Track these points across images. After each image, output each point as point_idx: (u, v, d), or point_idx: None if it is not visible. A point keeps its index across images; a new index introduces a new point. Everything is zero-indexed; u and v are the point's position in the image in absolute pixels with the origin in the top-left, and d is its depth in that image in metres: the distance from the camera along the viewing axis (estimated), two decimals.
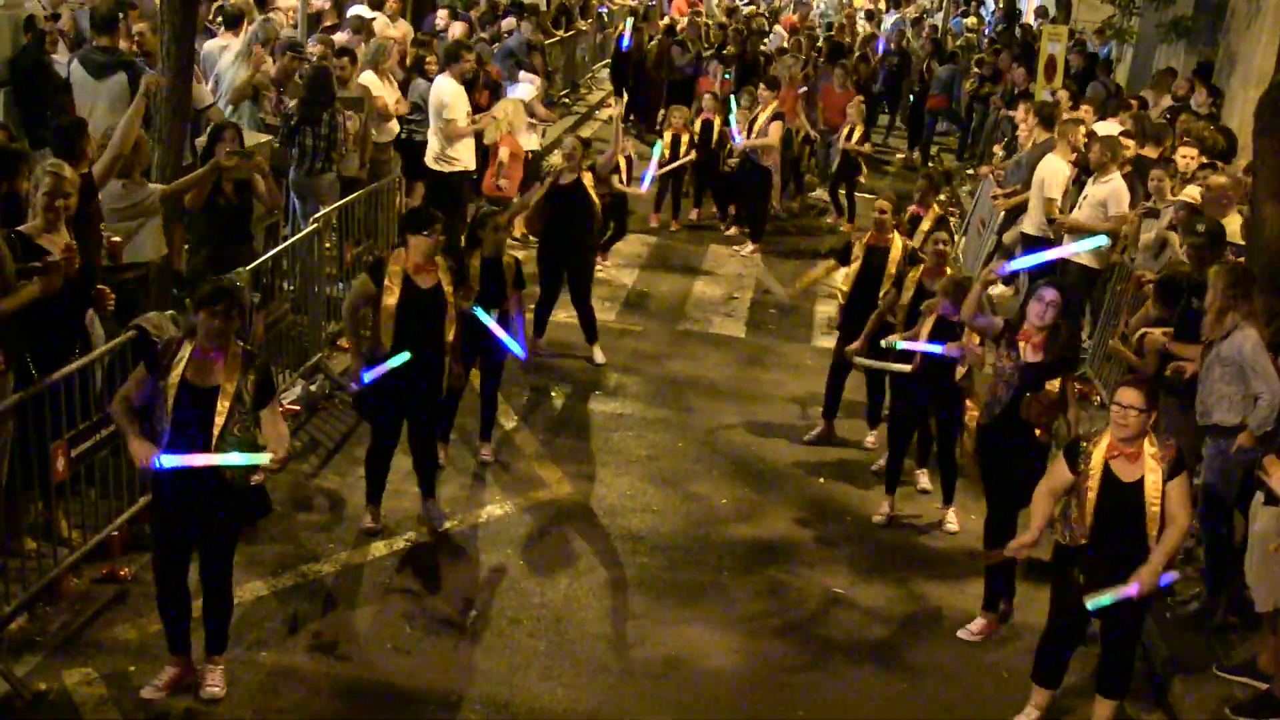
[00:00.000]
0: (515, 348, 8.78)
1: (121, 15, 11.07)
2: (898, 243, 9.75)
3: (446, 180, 12.73)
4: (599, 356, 11.45)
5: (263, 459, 6.24)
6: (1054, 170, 11.90)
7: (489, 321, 8.57)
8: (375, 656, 7.10)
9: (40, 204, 7.19)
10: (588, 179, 11.27)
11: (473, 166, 13.03)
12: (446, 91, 12.57)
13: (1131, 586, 6.23)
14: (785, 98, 15.92)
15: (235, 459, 6.15)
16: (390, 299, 7.88)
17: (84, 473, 7.29)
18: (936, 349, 8.39)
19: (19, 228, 7.16)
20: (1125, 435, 6.29)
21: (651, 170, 13.74)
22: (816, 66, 19.15)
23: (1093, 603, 6.32)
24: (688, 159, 15.22)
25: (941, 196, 11.57)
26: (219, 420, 6.16)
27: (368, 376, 7.82)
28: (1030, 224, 12.21)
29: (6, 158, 7.40)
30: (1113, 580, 6.28)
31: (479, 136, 13.24)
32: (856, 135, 16.11)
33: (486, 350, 8.98)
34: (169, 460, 6.07)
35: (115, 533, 7.54)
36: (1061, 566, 6.65)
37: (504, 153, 13.16)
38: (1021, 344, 7.53)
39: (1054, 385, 7.52)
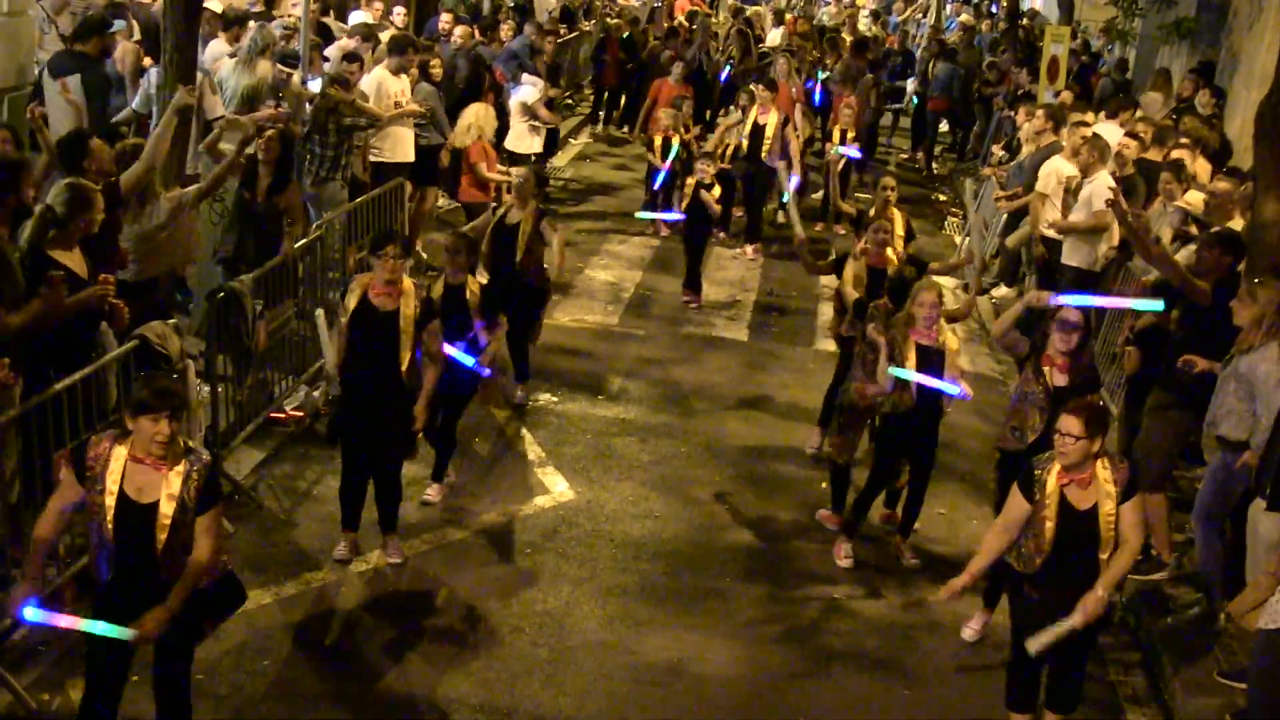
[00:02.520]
0: (468, 360, 8.37)
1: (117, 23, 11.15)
2: (894, 261, 9.59)
3: (379, 171, 12.64)
4: (519, 395, 10.53)
5: (126, 634, 5.41)
6: (1058, 172, 11.88)
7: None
8: (377, 664, 7.12)
9: (62, 219, 7.22)
10: (527, 220, 10.18)
11: (406, 160, 12.92)
12: (371, 81, 12.57)
13: (1074, 617, 6.16)
14: (782, 98, 15.90)
15: (100, 629, 5.44)
16: (343, 317, 7.73)
17: None
18: (953, 390, 8.04)
19: (38, 242, 7.18)
20: (1067, 463, 6.20)
21: (662, 171, 14.39)
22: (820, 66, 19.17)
23: (1035, 645, 6.26)
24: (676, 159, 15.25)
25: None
26: (161, 537, 5.45)
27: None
28: (1044, 226, 12.17)
29: (9, 169, 7.37)
30: (1063, 602, 6.22)
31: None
32: (850, 137, 16.08)
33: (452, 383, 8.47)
34: (33, 615, 5.48)
35: None
36: (1016, 589, 6.56)
37: (476, 152, 13.06)
38: (1046, 369, 7.46)
39: None
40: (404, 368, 7.67)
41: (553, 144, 16.86)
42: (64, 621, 5.62)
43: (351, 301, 7.71)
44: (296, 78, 11.82)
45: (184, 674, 5.91)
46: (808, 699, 7.21)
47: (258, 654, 7.05)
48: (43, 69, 10.91)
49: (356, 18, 14.75)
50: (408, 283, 7.76)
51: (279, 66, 11.62)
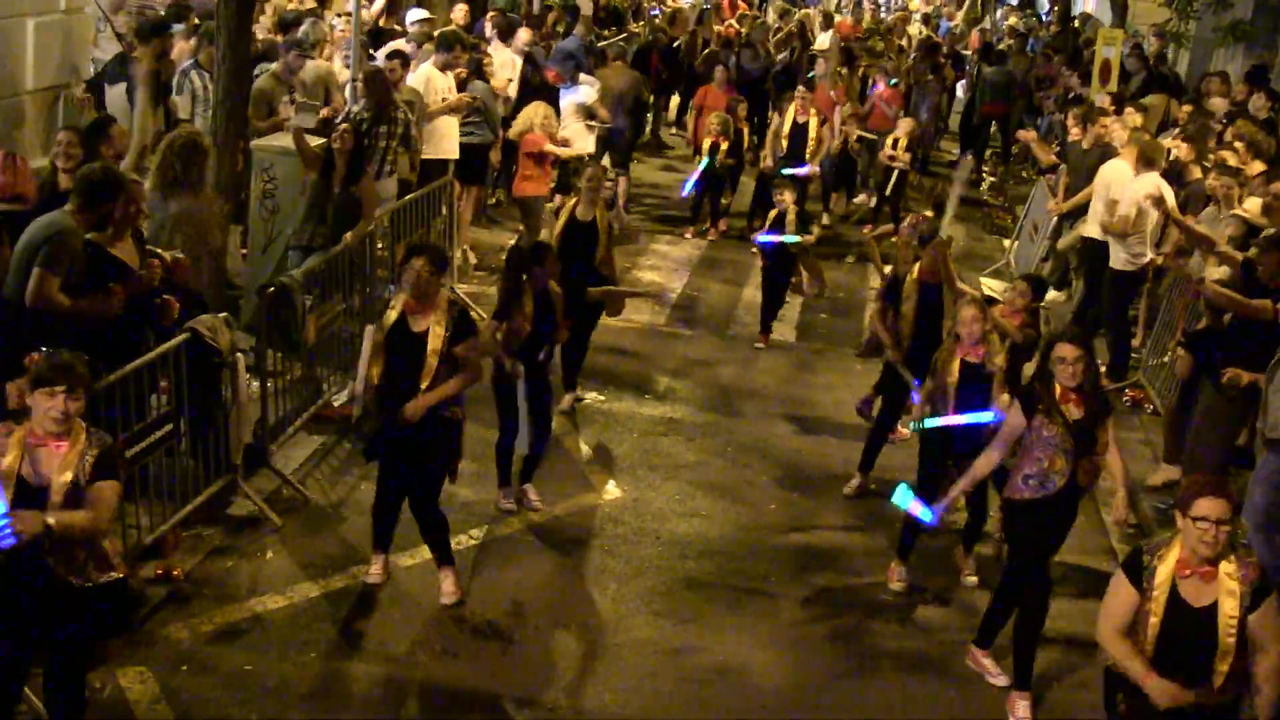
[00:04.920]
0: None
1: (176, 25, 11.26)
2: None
3: (424, 167, 12.64)
4: (566, 403, 10.33)
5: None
6: (1121, 175, 11.75)
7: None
8: (424, 659, 7.14)
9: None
10: (602, 216, 10.13)
11: (450, 157, 12.99)
12: (420, 77, 12.60)
13: None
14: (821, 100, 15.85)
15: None
16: (379, 336, 7.35)
17: (138, 474, 7.35)
18: (985, 418, 7.53)
19: (89, 236, 7.28)
20: (1210, 554, 5.22)
21: (693, 177, 14.36)
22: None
23: None
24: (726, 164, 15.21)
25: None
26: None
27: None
28: (1093, 227, 12.06)
29: (110, 184, 7.40)
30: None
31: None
32: (901, 145, 16.01)
33: (535, 396, 8.56)
34: None
35: (169, 533, 7.63)
36: (1117, 700, 5.66)
37: (529, 143, 13.02)
38: (1064, 406, 6.82)
39: (1104, 435, 6.93)
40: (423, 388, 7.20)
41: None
42: None
43: (390, 318, 7.34)
44: (311, 66, 11.95)
45: (77, 694, 5.71)
46: (853, 699, 7.17)
47: (304, 646, 7.08)
48: (103, 70, 11.02)
49: (414, 15, 14.76)
50: (442, 299, 7.33)
51: (294, 54, 11.68)
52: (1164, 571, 5.31)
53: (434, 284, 7.24)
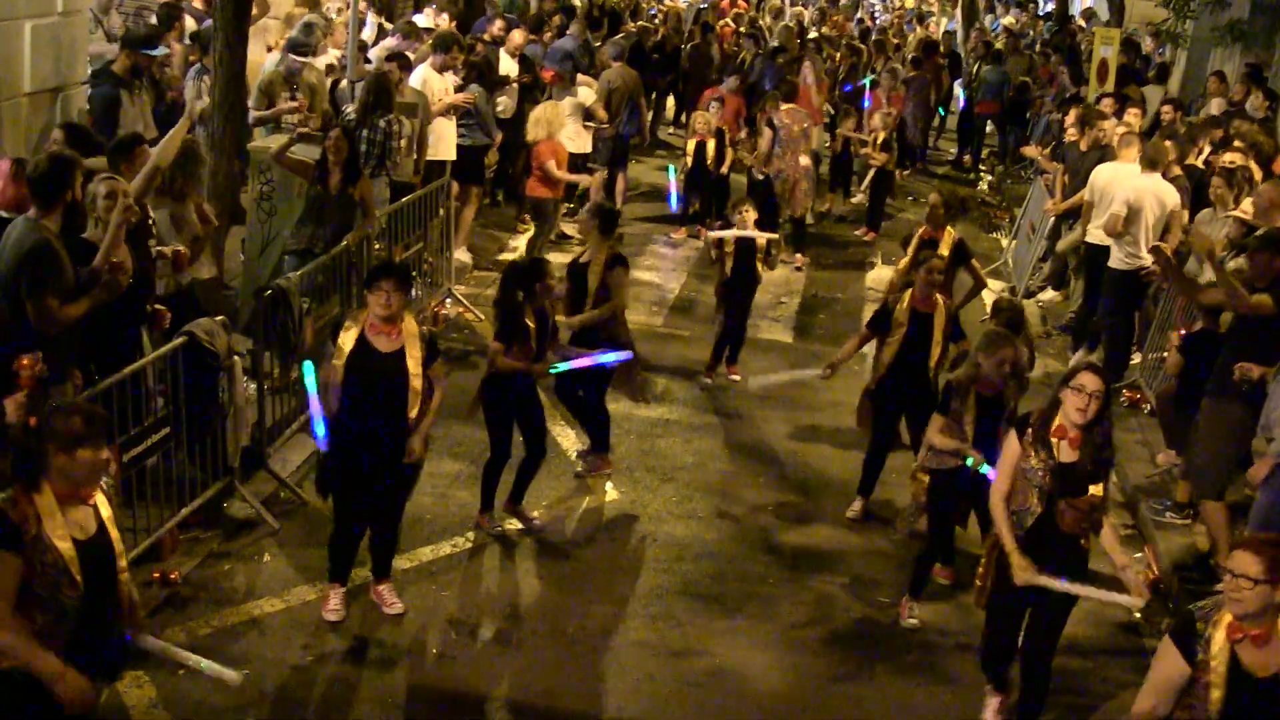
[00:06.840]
0: (615, 356, 8.58)
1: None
2: (942, 307, 8.74)
3: (429, 168, 12.67)
4: (589, 464, 9.51)
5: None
6: (1115, 176, 11.73)
7: (567, 366, 8.24)
8: (420, 662, 7.15)
9: (102, 212, 7.34)
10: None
11: (448, 158, 13.04)
12: (417, 78, 12.64)
13: None
14: (804, 103, 15.83)
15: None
16: (337, 360, 6.96)
17: (135, 477, 7.36)
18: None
19: (84, 235, 7.28)
20: (1240, 612, 4.76)
21: (674, 189, 14.16)
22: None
23: None
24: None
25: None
26: (122, 564, 5.05)
27: (319, 432, 6.97)
28: (1092, 231, 12.01)
29: (61, 167, 7.42)
30: None
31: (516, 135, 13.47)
32: (874, 142, 16.06)
33: (527, 413, 8.41)
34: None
35: (166, 536, 7.63)
36: None
37: (546, 150, 13.06)
38: (1055, 440, 6.28)
39: (1096, 489, 6.31)
40: (412, 417, 7.05)
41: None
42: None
43: (347, 342, 6.98)
44: (317, 65, 11.99)
45: None
46: (850, 702, 7.18)
47: (302, 650, 7.09)
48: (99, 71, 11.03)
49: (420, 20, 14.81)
50: (410, 324, 7.12)
51: (291, 56, 11.70)
52: (1219, 638, 4.81)
53: (402, 305, 7.02)
